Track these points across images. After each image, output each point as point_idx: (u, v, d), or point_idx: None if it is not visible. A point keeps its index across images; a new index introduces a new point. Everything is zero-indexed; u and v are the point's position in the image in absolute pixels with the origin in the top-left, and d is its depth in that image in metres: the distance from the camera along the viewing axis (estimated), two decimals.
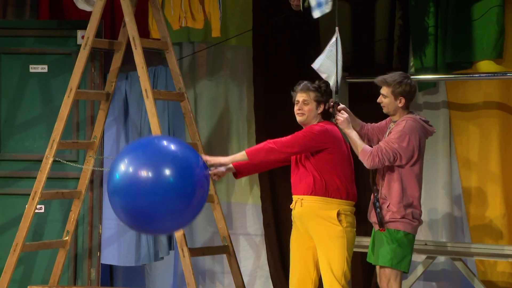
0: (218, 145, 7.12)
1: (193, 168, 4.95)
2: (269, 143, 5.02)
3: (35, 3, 7.22)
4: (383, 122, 5.32)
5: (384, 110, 5.19)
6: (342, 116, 5.09)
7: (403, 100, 5.12)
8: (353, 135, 5.07)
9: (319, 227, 5.04)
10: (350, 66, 6.61)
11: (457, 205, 6.51)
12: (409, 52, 6.54)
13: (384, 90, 5.16)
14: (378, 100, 5.17)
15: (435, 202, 6.53)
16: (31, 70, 6.96)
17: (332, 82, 5.28)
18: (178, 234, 5.93)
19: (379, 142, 5.07)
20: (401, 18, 6.53)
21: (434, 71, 6.34)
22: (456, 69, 6.34)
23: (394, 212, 5.02)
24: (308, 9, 5.64)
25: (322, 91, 5.14)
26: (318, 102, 5.13)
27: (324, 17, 6.66)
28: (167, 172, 4.84)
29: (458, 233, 6.49)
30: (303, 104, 5.13)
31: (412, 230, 5.08)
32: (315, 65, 5.35)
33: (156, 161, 4.88)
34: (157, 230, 5.25)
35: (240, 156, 5.14)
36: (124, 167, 4.88)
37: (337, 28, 5.30)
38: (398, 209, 5.02)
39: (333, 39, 5.28)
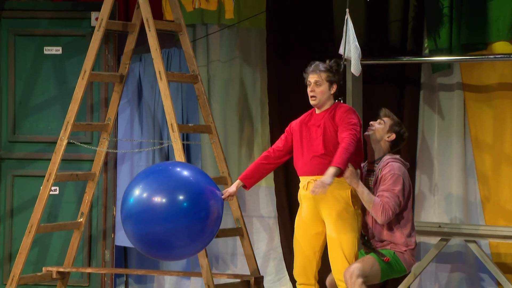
0: (231, 127, 7.12)
1: (206, 193, 4.92)
2: (338, 165, 4.85)
3: None
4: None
5: (372, 137, 5.15)
6: (348, 170, 4.97)
7: (392, 137, 5.10)
8: (362, 189, 4.98)
9: (333, 207, 5.03)
10: (364, 47, 6.57)
11: (471, 187, 6.49)
12: (424, 33, 6.51)
13: (385, 118, 5.16)
14: (374, 123, 5.14)
15: (449, 184, 6.51)
16: (45, 52, 6.98)
17: (353, 67, 5.27)
18: None
19: (380, 192, 4.99)
20: None
21: (449, 52, 6.30)
22: (471, 51, 6.30)
23: (398, 245, 5.03)
24: None
25: (334, 70, 5.10)
26: (331, 82, 5.10)
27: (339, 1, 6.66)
28: (180, 197, 4.81)
29: (472, 215, 6.48)
30: (315, 85, 5.10)
31: (407, 266, 5.06)
32: (341, 51, 5.38)
33: (169, 187, 4.84)
34: (173, 256, 5.14)
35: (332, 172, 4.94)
36: (138, 195, 4.84)
37: (347, 10, 5.27)
38: (404, 244, 5.03)
39: (345, 23, 5.26)
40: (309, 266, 5.13)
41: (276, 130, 6.77)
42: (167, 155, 7.11)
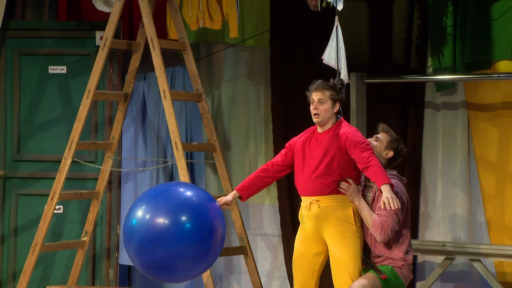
0: (236, 146, 7.13)
1: (207, 209, 4.87)
2: (387, 181, 4.85)
3: (53, 4, 7.26)
4: None
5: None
6: (351, 187, 4.99)
7: (390, 155, 5.10)
8: (363, 206, 4.99)
9: (335, 227, 5.02)
10: (368, 66, 6.59)
11: (475, 206, 6.47)
12: (427, 52, 6.52)
13: (381, 134, 5.15)
14: (370, 140, 5.14)
15: (454, 202, 6.50)
16: (50, 71, 7.00)
17: (342, 73, 5.27)
18: None
19: (378, 211, 4.97)
20: (419, 18, 6.51)
21: (453, 71, 6.31)
22: (475, 69, 6.31)
23: (396, 260, 5.03)
24: (326, 9, 5.64)
25: (337, 89, 5.10)
26: (334, 101, 5.09)
27: (342, 17, 6.68)
28: (183, 218, 4.75)
29: (477, 234, 6.46)
30: (319, 103, 5.09)
31: (405, 280, 5.06)
32: (324, 58, 5.35)
33: (171, 208, 4.78)
34: (176, 278, 5.02)
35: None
36: (140, 216, 4.77)
37: (336, 18, 5.29)
38: (402, 260, 5.03)
39: (334, 30, 5.28)
40: (308, 285, 5.12)
41: (280, 148, 6.71)
42: (171, 173, 7.11)
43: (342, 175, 5.01)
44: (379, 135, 5.16)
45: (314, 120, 5.12)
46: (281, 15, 6.81)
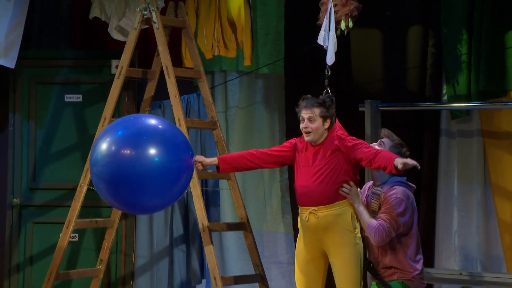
0: (250, 174, 7.12)
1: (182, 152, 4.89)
2: (396, 156, 4.84)
3: (69, 33, 7.32)
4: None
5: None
6: (352, 190, 4.99)
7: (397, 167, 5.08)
8: (362, 210, 4.98)
9: (335, 237, 5.00)
10: (382, 93, 6.59)
11: (492, 235, 6.42)
12: (442, 80, 6.51)
13: (384, 139, 5.13)
14: (374, 145, 5.11)
15: (470, 231, 6.45)
16: (66, 100, 7.04)
17: (328, 54, 5.27)
18: (210, 263, 5.93)
19: (380, 215, 4.98)
20: (433, 45, 6.51)
21: (468, 99, 6.30)
22: (490, 97, 6.29)
23: (405, 273, 4.98)
24: (340, 37, 5.65)
25: (327, 105, 5.07)
26: (324, 118, 5.05)
27: (356, 44, 6.69)
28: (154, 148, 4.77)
29: (494, 263, 6.40)
30: (309, 121, 5.07)
31: None
32: (320, 41, 5.37)
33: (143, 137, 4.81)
34: (138, 201, 4.93)
35: None
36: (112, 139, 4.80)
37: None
38: (411, 268, 4.98)
39: (327, 11, 5.30)
40: (319, 282, 5.10)
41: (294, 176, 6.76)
42: (186, 201, 7.11)
43: (338, 186, 4.99)
44: (383, 139, 5.12)
45: (306, 138, 5.08)
46: (295, 43, 6.83)
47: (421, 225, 6.16)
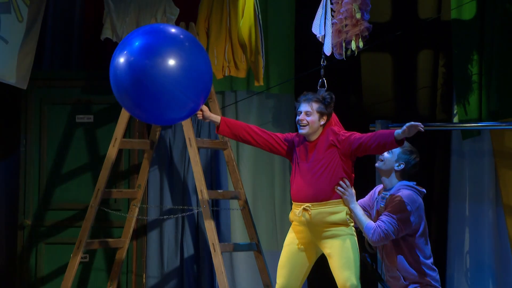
0: (261, 194, 7.11)
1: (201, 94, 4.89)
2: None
3: (81, 54, 7.35)
4: (368, 196, 5.24)
5: (382, 167, 5.09)
6: (348, 190, 4.97)
7: (401, 166, 5.04)
8: (357, 210, 4.97)
9: (328, 231, 4.99)
10: (392, 114, 6.59)
11: (504, 256, 6.38)
12: (453, 100, 6.50)
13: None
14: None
15: (481, 251, 6.42)
16: (77, 120, 7.06)
17: (325, 45, 5.26)
18: (221, 283, 5.91)
19: (381, 216, 4.96)
20: (444, 66, 6.51)
21: (479, 119, 6.29)
22: (501, 117, 6.28)
23: (422, 280, 4.93)
24: (350, 57, 5.66)
25: (326, 103, 5.08)
26: (321, 114, 5.06)
27: (366, 64, 6.70)
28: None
29: (505, 284, 6.36)
30: (305, 115, 5.07)
31: None
32: (313, 30, 5.38)
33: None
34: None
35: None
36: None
37: None
38: (422, 275, 4.93)
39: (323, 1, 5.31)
40: (300, 276, 5.06)
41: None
42: (196, 221, 7.10)
43: (333, 183, 4.98)
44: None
45: (301, 131, 5.08)
46: (305, 63, 6.84)
47: (432, 245, 6.13)
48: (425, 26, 6.52)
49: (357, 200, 5.04)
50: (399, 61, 6.68)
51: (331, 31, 5.42)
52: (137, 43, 4.83)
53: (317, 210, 4.98)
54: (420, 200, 4.98)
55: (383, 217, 4.90)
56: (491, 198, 6.40)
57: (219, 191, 6.68)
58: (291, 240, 5.13)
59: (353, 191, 5.01)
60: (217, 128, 5.20)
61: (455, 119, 6.48)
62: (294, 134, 5.21)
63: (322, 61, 5.43)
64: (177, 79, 4.75)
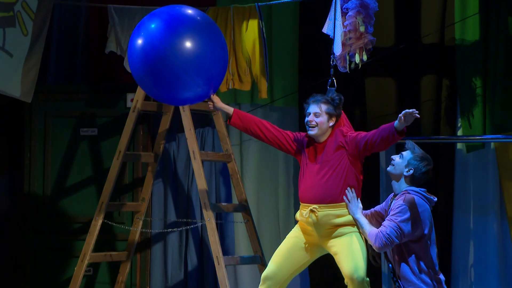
0: (265, 207, 7.10)
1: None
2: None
3: (85, 67, 7.37)
4: (384, 202, 5.22)
5: (393, 172, 5.05)
6: (353, 201, 4.96)
7: (411, 172, 5.00)
8: (362, 220, 4.94)
9: (335, 231, 4.99)
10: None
11: (508, 268, 6.36)
12: (457, 113, 6.50)
13: (405, 151, 5.08)
14: (394, 157, 5.05)
15: (486, 265, 6.40)
16: (81, 133, 7.08)
17: (336, 45, 5.28)
18: None
19: (384, 221, 4.91)
20: (448, 79, 6.51)
21: (483, 132, 6.28)
22: (505, 131, 6.27)
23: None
24: (354, 70, 5.66)
25: (335, 104, 5.08)
26: (330, 115, 5.06)
27: (370, 78, 6.70)
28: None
29: None
30: (314, 116, 5.07)
31: None
32: (324, 30, 5.42)
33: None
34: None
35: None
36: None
37: None
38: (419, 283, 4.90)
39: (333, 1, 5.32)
40: (291, 270, 5.04)
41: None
42: (200, 234, 7.10)
43: (341, 185, 4.97)
44: (403, 152, 5.04)
45: (310, 132, 5.07)
46: (309, 76, 6.85)
47: (437, 258, 6.12)
48: (429, 46, 6.52)
49: (373, 207, 5.03)
50: (403, 75, 6.67)
51: (340, 32, 5.43)
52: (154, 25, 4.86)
53: (324, 212, 4.98)
54: (426, 206, 4.90)
55: (385, 222, 4.87)
56: (496, 211, 6.38)
57: (223, 204, 6.68)
58: (297, 235, 5.12)
59: (360, 204, 4.98)
60: (229, 120, 5.19)
61: (459, 132, 6.47)
62: (304, 134, 5.19)
63: (331, 60, 5.42)
64: (185, 60, 4.79)
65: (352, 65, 5.65)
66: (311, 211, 5.00)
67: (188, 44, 4.81)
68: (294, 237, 5.11)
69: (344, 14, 5.51)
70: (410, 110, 4.77)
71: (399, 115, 4.80)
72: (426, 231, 4.87)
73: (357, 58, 5.61)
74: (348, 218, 4.99)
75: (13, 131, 7.20)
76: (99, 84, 7.24)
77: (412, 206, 4.82)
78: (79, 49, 7.33)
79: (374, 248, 4.86)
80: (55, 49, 7.31)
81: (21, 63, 6.23)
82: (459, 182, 6.54)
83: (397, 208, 4.85)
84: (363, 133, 5.01)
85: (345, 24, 5.50)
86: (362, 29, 5.49)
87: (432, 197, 4.96)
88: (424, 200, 4.90)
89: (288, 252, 5.09)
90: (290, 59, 6.99)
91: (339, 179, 4.97)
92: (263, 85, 6.59)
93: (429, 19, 6.55)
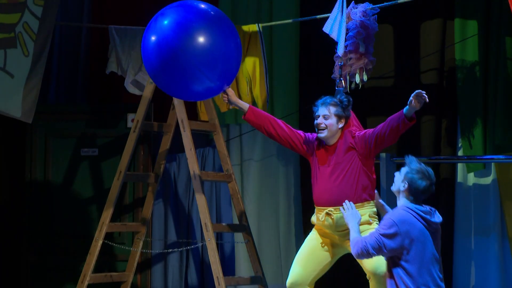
0: (266, 227, 7.09)
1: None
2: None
3: (86, 87, 7.39)
4: None
5: (393, 188, 5.03)
6: (351, 211, 4.83)
7: (406, 187, 4.94)
8: (354, 228, 4.77)
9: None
10: (397, 146, 6.58)
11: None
12: (458, 133, 6.50)
13: (403, 168, 5.04)
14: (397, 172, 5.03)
15: (487, 284, 6.37)
16: (82, 153, 7.08)
17: (340, 46, 5.28)
18: None
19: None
20: (448, 99, 6.51)
21: (483, 152, 6.28)
22: (506, 151, 6.27)
23: None
24: (355, 90, 5.67)
25: (344, 106, 5.07)
26: (339, 117, 5.06)
27: (370, 96, 6.71)
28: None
29: None
30: (323, 118, 5.07)
31: None
32: (325, 29, 5.41)
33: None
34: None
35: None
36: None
37: None
38: None
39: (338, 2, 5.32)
40: (315, 272, 5.02)
41: (311, 228, 6.72)
42: (201, 254, 7.08)
43: (355, 186, 4.95)
44: (402, 168, 4.94)
45: (320, 134, 5.07)
46: (309, 96, 6.85)
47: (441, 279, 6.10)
48: (429, 67, 6.53)
49: None
50: (402, 93, 6.67)
51: (343, 33, 5.44)
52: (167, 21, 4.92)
53: (340, 214, 4.96)
54: (417, 224, 4.73)
55: (370, 232, 4.81)
56: (497, 231, 6.37)
57: (224, 224, 6.67)
58: (315, 237, 5.12)
59: (359, 215, 4.89)
60: (244, 115, 5.19)
61: (460, 152, 6.47)
62: (315, 135, 5.18)
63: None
64: (197, 56, 4.83)
65: (353, 85, 5.66)
66: (327, 214, 5.00)
67: (201, 39, 4.83)
68: (313, 239, 5.12)
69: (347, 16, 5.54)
70: (419, 91, 4.77)
71: (410, 97, 4.77)
72: (413, 249, 4.73)
73: (357, 79, 5.62)
74: (365, 218, 4.98)
75: (13, 151, 7.20)
76: (99, 104, 7.25)
77: (399, 221, 4.65)
78: (80, 69, 7.35)
79: (352, 252, 4.81)
80: (56, 69, 7.33)
81: (22, 83, 6.24)
82: (460, 202, 6.53)
83: (384, 221, 4.78)
84: (370, 130, 5.02)
85: (345, 44, 5.52)
86: (362, 49, 5.50)
87: (429, 216, 4.80)
88: (417, 218, 4.76)
89: (311, 253, 5.09)
90: (290, 79, 7.00)
91: (352, 180, 4.98)
92: (263, 105, 6.60)
93: (429, 40, 6.56)
